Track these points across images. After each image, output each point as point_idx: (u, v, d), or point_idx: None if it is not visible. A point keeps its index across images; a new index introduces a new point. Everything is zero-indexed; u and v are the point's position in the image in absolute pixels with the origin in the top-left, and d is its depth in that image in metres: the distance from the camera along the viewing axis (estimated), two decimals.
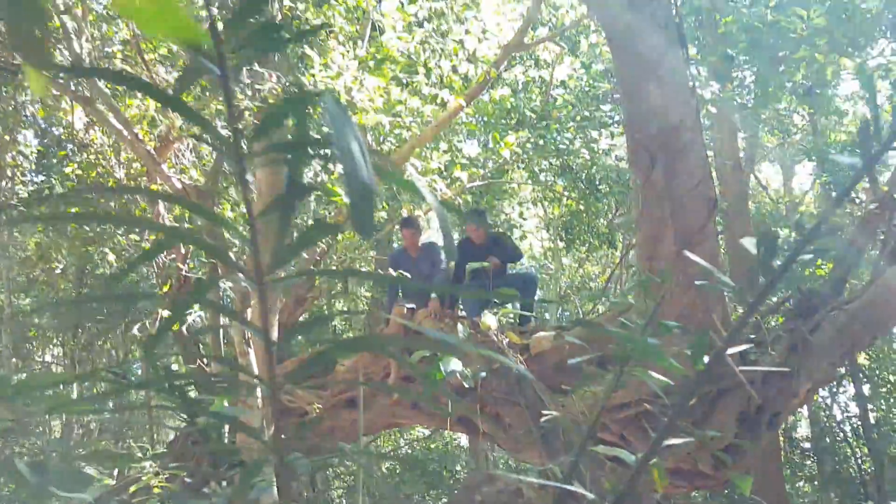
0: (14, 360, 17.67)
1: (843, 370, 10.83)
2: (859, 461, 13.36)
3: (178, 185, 4.58)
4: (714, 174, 5.31)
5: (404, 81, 7.27)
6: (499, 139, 7.58)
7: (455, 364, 1.85)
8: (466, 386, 2.03)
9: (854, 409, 13.63)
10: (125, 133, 4.57)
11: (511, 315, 2.37)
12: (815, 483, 13.71)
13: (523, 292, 6.36)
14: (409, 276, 6.81)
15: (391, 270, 6.98)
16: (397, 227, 8.35)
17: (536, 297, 6.86)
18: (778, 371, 5.18)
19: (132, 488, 4.18)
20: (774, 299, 5.61)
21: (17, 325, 16.37)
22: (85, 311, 15.79)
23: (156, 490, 4.01)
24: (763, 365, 5.13)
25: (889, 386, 13.90)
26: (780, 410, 5.26)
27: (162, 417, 18.69)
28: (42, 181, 7.54)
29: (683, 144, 4.81)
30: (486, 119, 10.45)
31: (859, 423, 13.01)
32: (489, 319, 2.27)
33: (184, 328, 4.59)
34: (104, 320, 15.65)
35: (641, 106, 4.86)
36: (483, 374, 1.99)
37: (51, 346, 18.37)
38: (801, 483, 14.42)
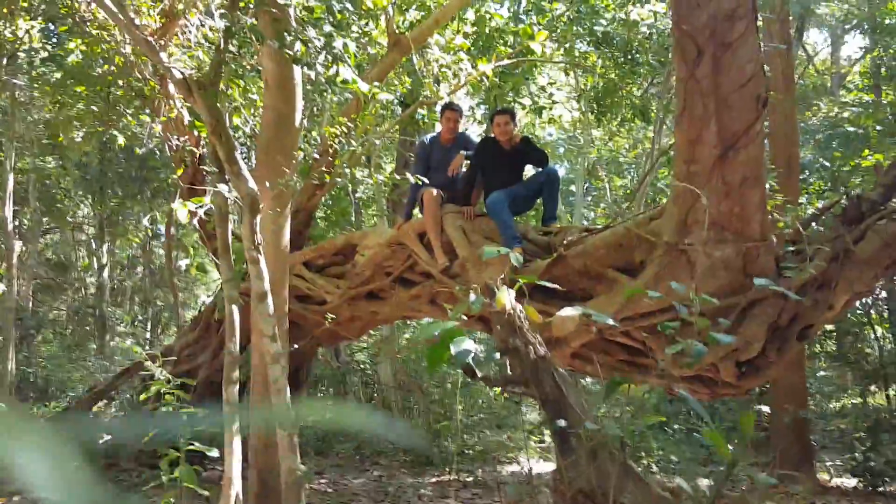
0: (45, 218, 18.02)
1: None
2: (881, 343, 13.28)
3: (179, 76, 4.22)
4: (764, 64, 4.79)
5: None
6: (531, 31, 6.93)
7: (468, 344, 1.62)
8: (478, 374, 1.82)
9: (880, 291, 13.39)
10: (120, 16, 4.17)
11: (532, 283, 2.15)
12: (833, 363, 13.72)
13: (547, 190, 6.02)
14: (438, 165, 6.45)
15: (418, 157, 6.62)
16: (423, 108, 7.91)
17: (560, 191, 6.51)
18: (816, 281, 4.92)
19: (142, 396, 4.14)
20: (820, 205, 5.25)
21: (44, 188, 16.52)
22: (109, 176, 15.84)
23: (167, 399, 3.95)
24: (801, 274, 4.86)
25: None
26: (813, 322, 5.04)
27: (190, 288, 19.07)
28: (47, 56, 7.17)
29: (735, 36, 4.30)
30: None
31: (885, 305, 12.78)
32: (505, 295, 2.01)
33: (194, 221, 4.39)
34: (128, 186, 15.70)
35: None
36: (497, 355, 1.77)
37: (81, 207, 18.61)
38: (820, 363, 14.45)
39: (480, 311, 1.87)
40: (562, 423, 1.88)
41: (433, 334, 1.61)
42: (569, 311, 2.10)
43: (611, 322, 2.02)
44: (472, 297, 1.90)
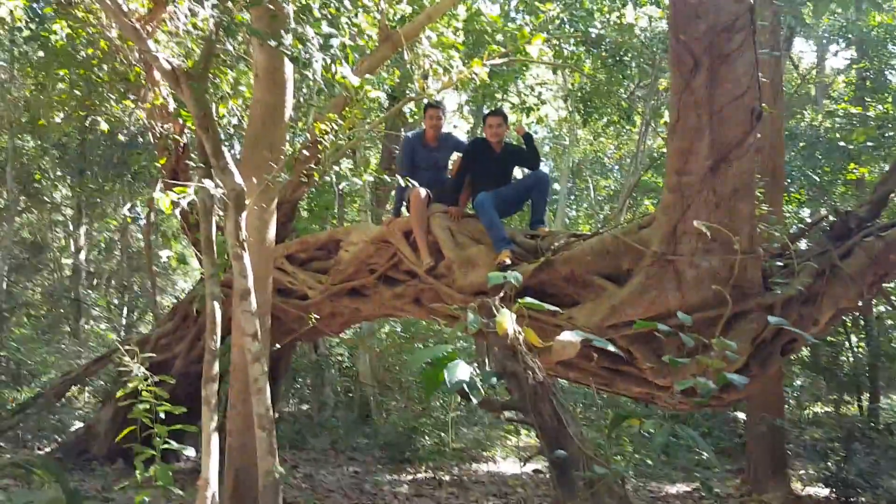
0: (23, 197, 17.65)
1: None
2: (856, 353, 13.38)
3: (167, 66, 4.11)
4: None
5: None
6: (526, 35, 6.88)
7: (463, 372, 1.57)
8: (473, 400, 1.77)
9: None
10: (107, 1, 4.05)
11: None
12: (808, 371, 13.80)
13: (536, 194, 5.98)
14: (424, 163, 6.36)
15: (403, 155, 6.51)
16: (410, 106, 7.82)
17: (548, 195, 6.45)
18: (801, 296, 4.92)
19: (119, 393, 4.04)
20: (809, 220, 5.26)
21: (22, 167, 16.17)
22: (90, 158, 15.55)
23: (144, 395, 3.86)
24: (787, 289, 4.86)
25: None
26: (796, 337, 5.04)
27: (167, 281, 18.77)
28: (30, 35, 7.00)
29: (732, 48, 4.28)
30: None
31: (859, 314, 12.81)
32: (506, 319, 1.94)
33: (176, 211, 4.28)
34: (108, 171, 15.42)
35: (690, 0, 4.29)
36: (494, 379, 1.73)
37: (59, 188, 18.23)
38: (795, 371, 14.53)
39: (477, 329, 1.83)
40: (561, 453, 1.84)
41: (428, 359, 1.56)
42: (569, 336, 2.05)
43: (611, 349, 1.97)
44: (471, 316, 1.85)
